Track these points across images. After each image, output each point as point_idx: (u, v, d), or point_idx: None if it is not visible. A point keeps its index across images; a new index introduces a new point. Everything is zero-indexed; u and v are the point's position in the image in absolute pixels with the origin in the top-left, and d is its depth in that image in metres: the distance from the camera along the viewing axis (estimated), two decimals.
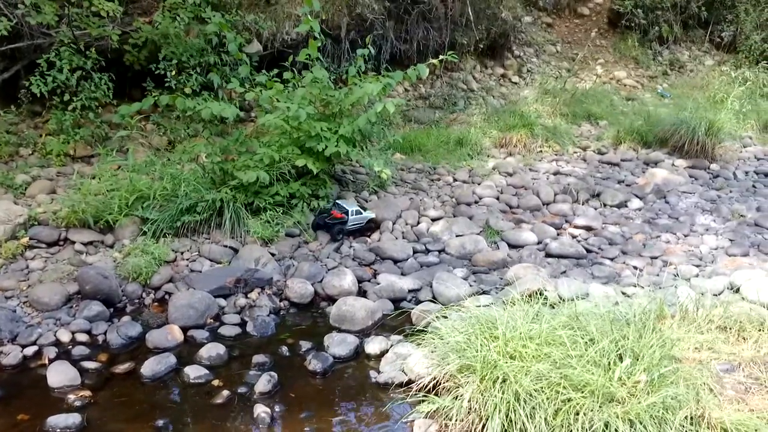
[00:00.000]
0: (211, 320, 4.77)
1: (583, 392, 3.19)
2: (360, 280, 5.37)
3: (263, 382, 3.93)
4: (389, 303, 5.07)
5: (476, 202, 7.18)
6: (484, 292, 5.23)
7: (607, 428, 3.05)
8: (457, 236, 6.25)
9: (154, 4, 7.43)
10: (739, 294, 4.82)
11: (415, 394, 3.66)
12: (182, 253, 5.50)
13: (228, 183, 5.92)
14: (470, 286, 5.30)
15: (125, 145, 6.93)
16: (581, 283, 5.18)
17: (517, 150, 8.89)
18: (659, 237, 6.51)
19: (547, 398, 3.20)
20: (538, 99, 10.10)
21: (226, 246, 5.58)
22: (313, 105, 6.30)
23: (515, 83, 11.16)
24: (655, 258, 5.98)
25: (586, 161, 8.94)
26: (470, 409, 3.36)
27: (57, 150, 6.61)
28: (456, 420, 3.36)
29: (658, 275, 5.53)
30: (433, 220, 6.67)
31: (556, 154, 9.03)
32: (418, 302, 5.07)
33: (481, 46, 10.72)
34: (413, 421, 3.61)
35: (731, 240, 6.39)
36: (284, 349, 4.44)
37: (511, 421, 3.19)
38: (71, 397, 3.77)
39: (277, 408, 3.77)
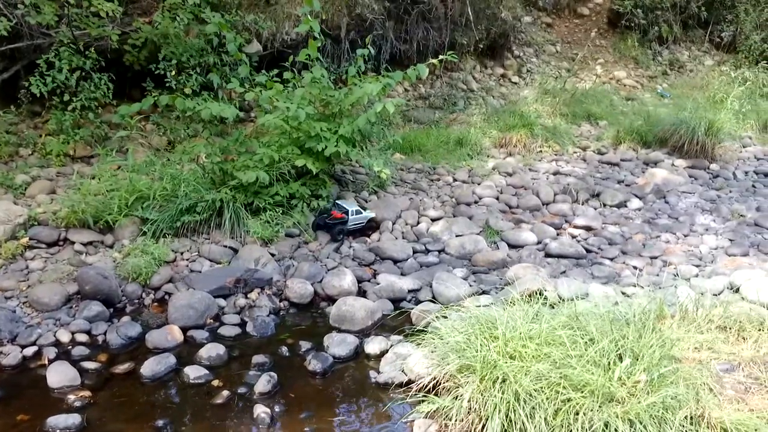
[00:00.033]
0: (211, 320, 4.77)
1: (582, 392, 3.19)
2: (360, 280, 5.37)
3: (263, 383, 3.93)
4: (389, 303, 5.07)
5: (476, 202, 7.19)
6: (483, 292, 5.23)
7: (606, 428, 3.05)
8: (456, 236, 6.25)
9: (154, 5, 7.43)
10: (738, 294, 4.82)
11: (415, 394, 3.66)
12: (182, 254, 5.50)
13: (228, 183, 5.92)
14: (470, 286, 5.30)
15: (125, 146, 6.93)
16: (581, 283, 5.18)
17: (516, 150, 8.89)
18: (659, 237, 6.51)
19: (547, 398, 3.20)
20: (538, 99, 10.11)
21: (225, 246, 5.58)
22: (313, 105, 6.30)
23: (515, 83, 11.16)
24: (655, 258, 5.98)
25: (585, 161, 8.94)
26: (470, 409, 3.36)
27: (57, 150, 6.62)
28: (456, 420, 3.36)
29: (657, 275, 5.53)
30: (433, 220, 6.67)
31: (555, 154, 9.03)
32: (418, 302, 5.07)
33: (481, 46, 10.73)
34: (413, 421, 3.60)
35: (731, 240, 6.39)
36: (284, 349, 4.44)
37: (510, 421, 3.19)
38: (71, 397, 3.77)
39: (276, 408, 3.77)
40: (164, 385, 4.00)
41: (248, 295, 5.09)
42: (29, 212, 5.46)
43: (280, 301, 5.10)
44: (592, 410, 3.10)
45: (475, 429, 3.32)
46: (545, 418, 3.14)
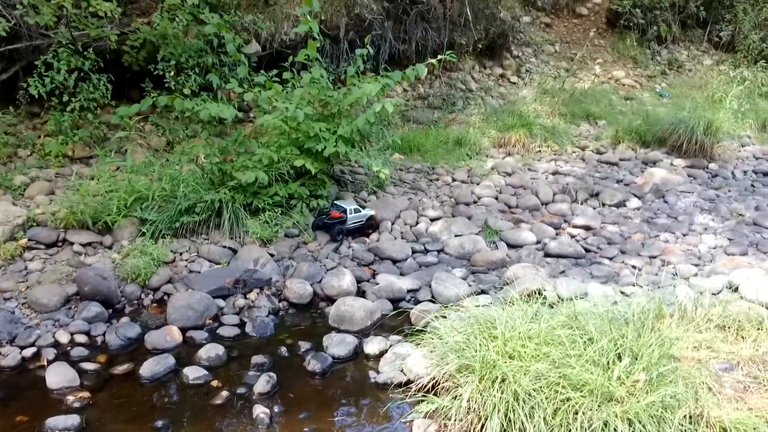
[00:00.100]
0: (210, 321, 4.76)
1: (582, 391, 3.19)
2: (359, 281, 5.37)
3: (262, 383, 3.93)
4: (388, 303, 5.07)
5: (475, 202, 7.19)
6: (482, 292, 5.23)
7: (606, 427, 3.05)
8: (455, 236, 6.25)
9: (153, 5, 7.43)
10: (737, 293, 4.82)
11: (414, 394, 3.66)
12: (181, 254, 5.50)
13: (227, 184, 5.92)
14: (469, 285, 5.30)
15: (124, 146, 6.93)
16: (580, 282, 5.19)
17: (515, 150, 8.90)
18: (658, 236, 6.52)
19: (546, 398, 3.20)
20: (537, 99, 10.12)
21: (224, 247, 5.57)
22: (312, 105, 6.30)
23: (514, 83, 11.17)
24: (654, 257, 5.98)
25: (584, 161, 8.95)
26: (469, 408, 3.36)
27: (55, 151, 6.61)
28: (455, 420, 3.36)
29: (656, 274, 5.54)
30: (432, 220, 6.67)
31: (554, 154, 9.04)
32: (417, 302, 5.07)
33: (480, 46, 10.73)
34: (412, 421, 3.60)
35: (730, 239, 6.39)
36: (283, 349, 4.44)
37: (510, 420, 3.19)
38: (70, 398, 3.77)
39: (276, 408, 3.76)
40: (163, 385, 4.00)
41: (247, 296, 5.08)
42: (28, 213, 5.46)
43: (279, 302, 5.10)
44: (591, 410, 3.10)
45: (474, 429, 3.32)
46: (544, 418, 3.14)
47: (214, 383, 3.99)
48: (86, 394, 3.81)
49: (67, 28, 6.59)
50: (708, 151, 8.98)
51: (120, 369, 4.10)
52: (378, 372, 4.15)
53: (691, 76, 12.72)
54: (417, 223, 6.60)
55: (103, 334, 4.48)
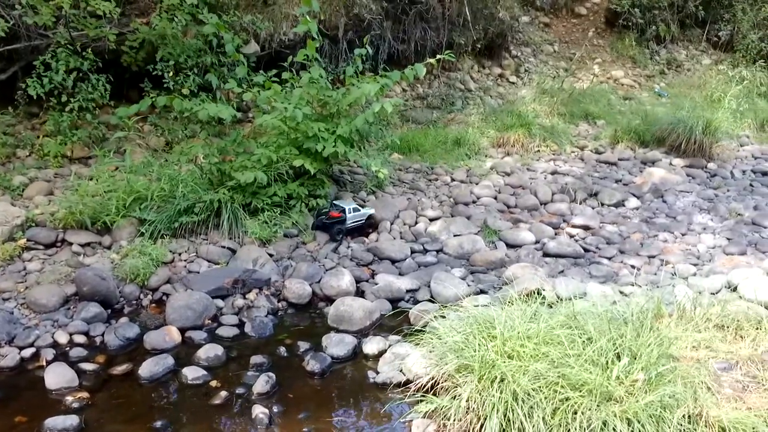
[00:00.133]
0: (209, 321, 4.76)
1: (581, 391, 3.19)
2: (358, 281, 5.37)
3: (261, 383, 3.93)
4: (387, 303, 5.07)
5: (474, 202, 7.19)
6: (482, 292, 5.23)
7: (605, 427, 3.05)
8: (455, 236, 6.26)
9: (151, 5, 7.42)
10: (736, 292, 4.82)
11: (414, 394, 3.66)
12: (180, 254, 5.50)
13: (226, 184, 5.92)
14: (468, 285, 5.30)
15: (123, 147, 6.92)
16: (579, 282, 5.19)
17: (514, 150, 8.90)
18: (657, 236, 6.52)
19: (545, 397, 3.20)
20: (536, 99, 10.11)
21: (223, 247, 5.57)
22: (311, 105, 6.30)
23: (513, 83, 11.17)
24: (653, 257, 5.98)
25: (583, 161, 8.95)
26: (468, 408, 3.36)
27: (54, 151, 6.60)
28: (454, 420, 3.36)
29: (655, 274, 5.54)
30: (431, 220, 6.67)
31: (553, 154, 9.04)
32: (416, 302, 5.07)
33: (479, 46, 10.73)
34: (411, 421, 3.60)
35: (729, 239, 6.40)
36: (282, 349, 4.44)
37: (509, 420, 3.19)
38: (69, 398, 3.77)
39: (275, 408, 3.76)
40: (162, 386, 4.00)
41: (246, 296, 5.08)
42: (27, 213, 5.45)
43: (278, 302, 5.10)
44: (590, 409, 3.10)
45: (473, 428, 3.32)
46: (543, 418, 3.14)
47: (213, 383, 3.99)
48: (85, 394, 3.81)
49: (66, 28, 6.58)
50: (707, 150, 8.98)
51: (119, 369, 4.10)
52: (377, 372, 4.15)
53: (689, 75, 12.73)
54: (416, 223, 6.60)
55: (102, 335, 4.48)
